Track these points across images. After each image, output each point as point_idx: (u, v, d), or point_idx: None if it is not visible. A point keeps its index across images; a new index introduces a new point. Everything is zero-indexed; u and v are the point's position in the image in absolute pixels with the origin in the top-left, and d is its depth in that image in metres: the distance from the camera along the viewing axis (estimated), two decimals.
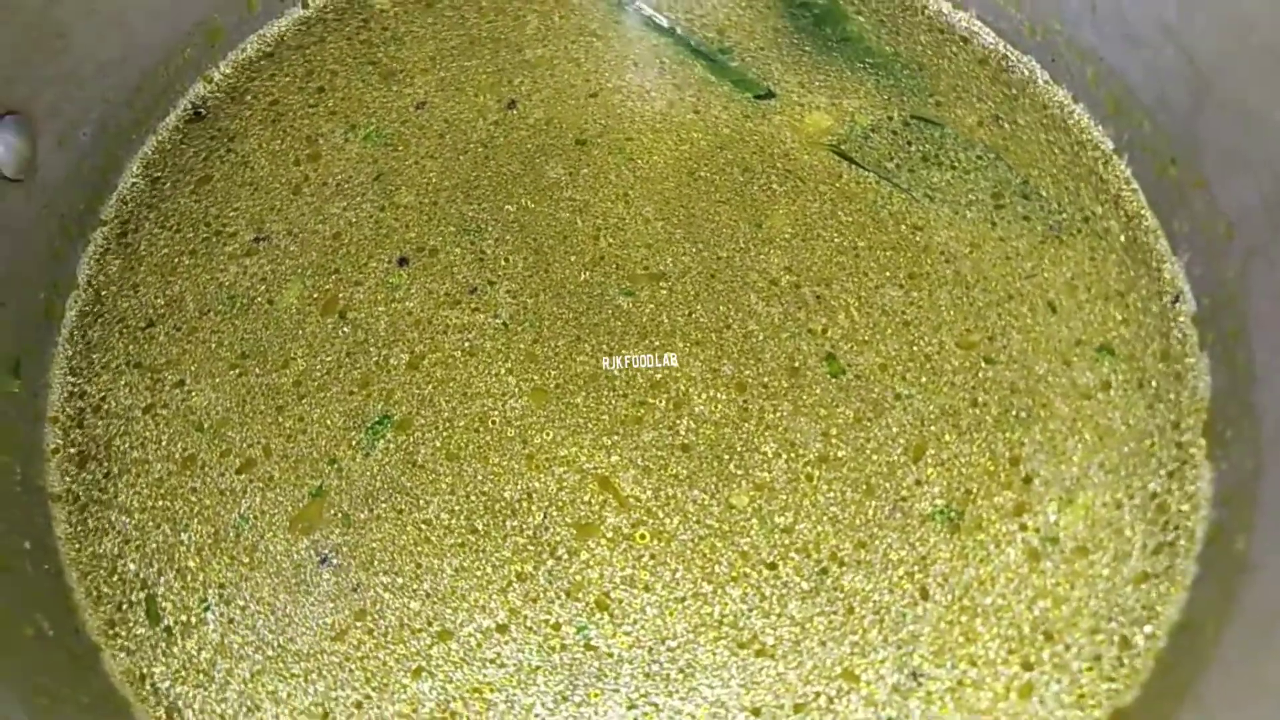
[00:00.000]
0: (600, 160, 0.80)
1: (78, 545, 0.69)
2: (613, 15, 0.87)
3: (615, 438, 0.71)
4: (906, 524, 0.68)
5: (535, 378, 0.73)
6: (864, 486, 0.69)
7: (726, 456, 0.70)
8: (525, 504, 0.69)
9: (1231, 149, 0.69)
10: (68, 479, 0.72)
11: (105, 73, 0.75)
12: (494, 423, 0.71)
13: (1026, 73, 0.84)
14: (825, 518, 0.68)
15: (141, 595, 0.68)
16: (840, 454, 0.70)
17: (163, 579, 0.69)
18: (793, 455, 0.70)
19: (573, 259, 0.76)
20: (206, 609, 0.68)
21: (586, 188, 0.79)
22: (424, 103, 0.83)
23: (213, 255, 0.77)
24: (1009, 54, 0.85)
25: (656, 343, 0.73)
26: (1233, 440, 0.69)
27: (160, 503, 0.71)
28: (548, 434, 0.71)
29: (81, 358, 0.75)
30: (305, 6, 0.87)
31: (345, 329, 0.75)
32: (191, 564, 0.69)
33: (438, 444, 0.71)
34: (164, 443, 0.72)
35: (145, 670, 0.67)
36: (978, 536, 0.68)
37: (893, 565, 0.67)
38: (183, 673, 0.66)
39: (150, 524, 0.70)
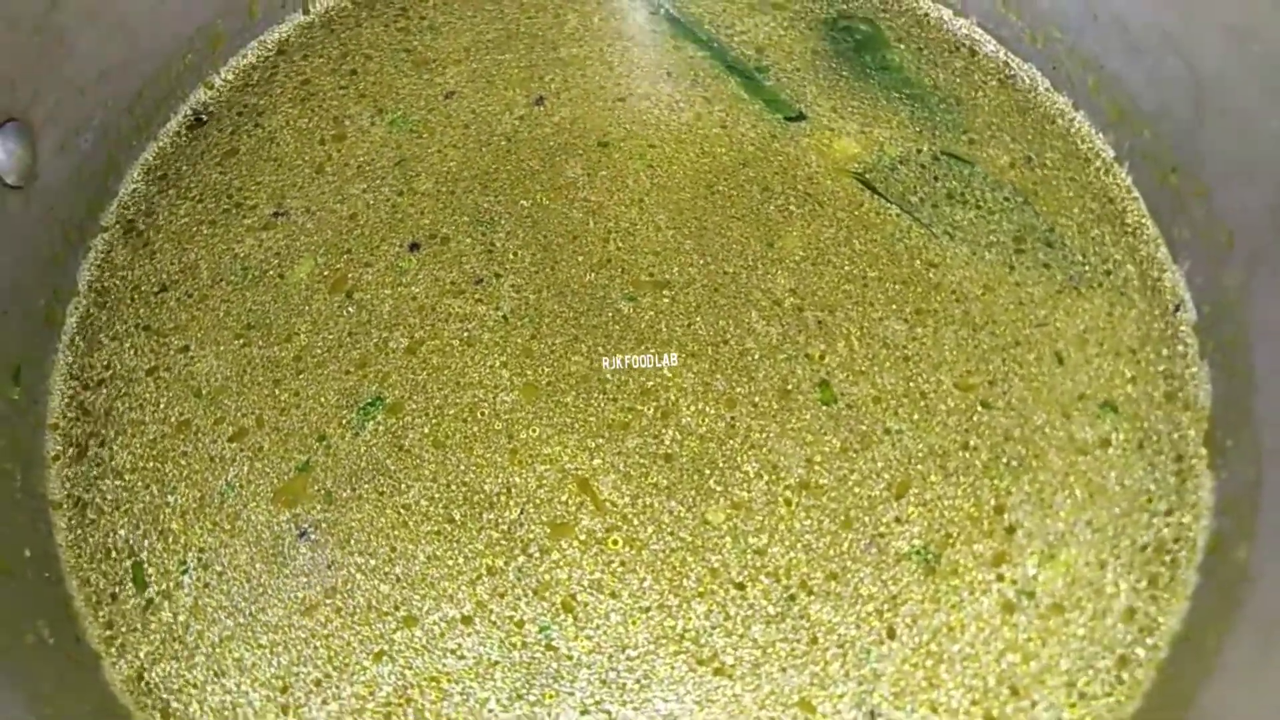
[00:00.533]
0: (620, 164, 0.80)
1: (77, 551, 0.69)
2: (652, 23, 0.87)
3: (600, 440, 0.71)
4: (881, 560, 0.67)
5: (528, 373, 0.73)
6: (842, 518, 0.68)
7: (708, 471, 0.70)
8: (504, 498, 0.69)
9: (1232, 157, 0.70)
10: (63, 449, 0.73)
11: (106, 79, 0.76)
12: (482, 414, 0.72)
13: (1028, 81, 0.84)
14: (800, 544, 0.68)
15: (129, 562, 0.69)
16: (822, 482, 0.69)
17: (146, 541, 0.70)
18: (774, 478, 0.69)
19: (580, 259, 0.77)
20: (185, 572, 0.69)
21: (603, 190, 0.79)
22: (453, 92, 0.84)
23: (231, 227, 0.79)
24: (1010, 61, 0.85)
25: (652, 350, 0.73)
26: (1233, 449, 0.69)
27: (151, 464, 0.72)
28: (534, 430, 0.71)
29: (93, 325, 0.76)
30: (306, 12, 0.88)
31: (350, 308, 0.75)
32: (175, 526, 0.70)
33: (425, 430, 0.71)
34: (161, 406, 0.73)
35: (130, 639, 0.68)
36: (952, 581, 0.67)
37: (862, 600, 0.66)
38: (157, 635, 0.67)
39: (139, 484, 0.71)
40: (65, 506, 0.71)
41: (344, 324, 0.75)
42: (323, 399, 0.73)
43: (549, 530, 0.68)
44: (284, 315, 0.76)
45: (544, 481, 0.70)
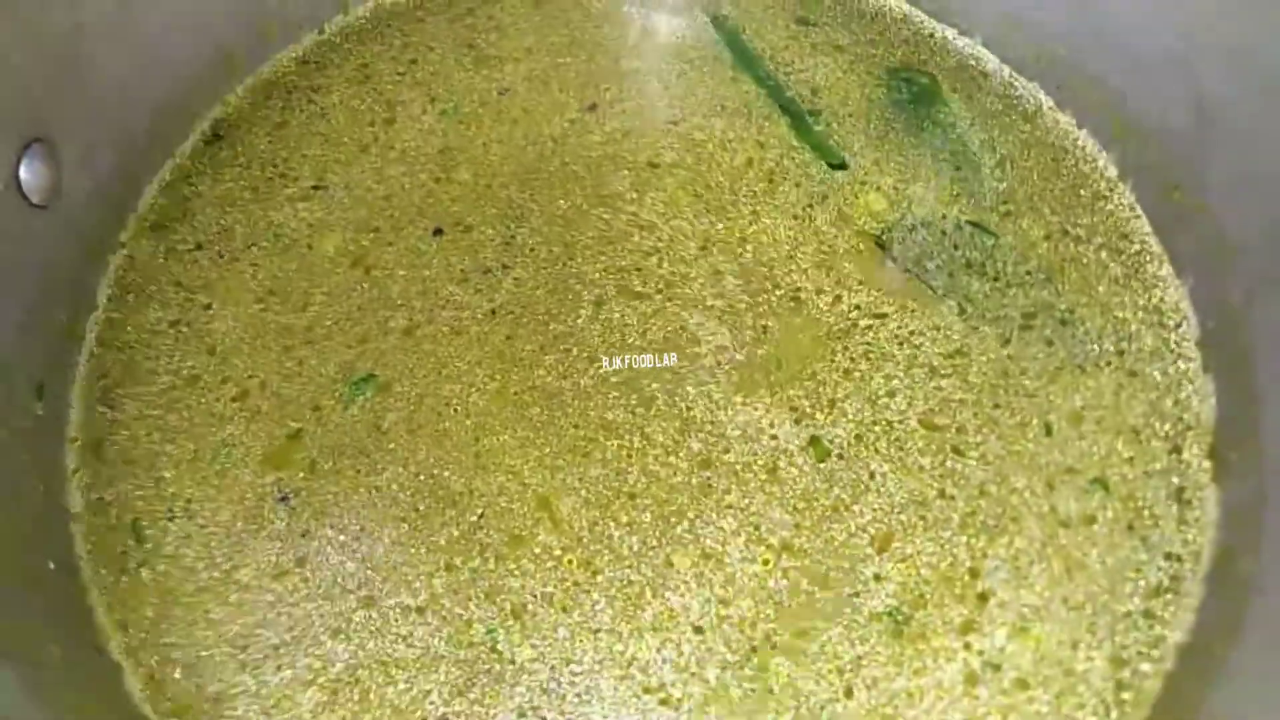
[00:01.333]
0: (670, 189, 0.80)
1: (97, 562, 0.70)
2: (714, 50, 0.87)
3: (562, 461, 0.70)
4: (853, 620, 0.66)
5: (498, 377, 0.73)
6: (821, 578, 0.67)
7: (675, 520, 0.69)
8: (466, 499, 0.70)
9: (1235, 174, 0.70)
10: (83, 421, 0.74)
11: (127, 98, 0.78)
12: (455, 410, 0.72)
13: (1033, 104, 0.84)
14: (771, 601, 0.67)
15: (129, 518, 0.71)
16: (806, 546, 0.68)
17: (140, 491, 0.71)
18: (754, 537, 0.68)
19: (598, 264, 0.77)
20: (171, 519, 0.70)
21: (650, 208, 0.79)
22: (508, 89, 0.85)
23: (271, 195, 0.81)
24: (1015, 81, 0.85)
25: (630, 371, 0.73)
26: (1238, 463, 0.69)
27: (155, 412, 0.74)
28: (499, 437, 0.72)
29: (127, 282, 0.79)
30: (345, 12, 0.89)
31: (365, 285, 0.77)
32: (168, 474, 0.72)
33: (404, 415, 0.72)
34: (176, 358, 0.75)
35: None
36: (919, 646, 0.65)
37: (825, 657, 0.65)
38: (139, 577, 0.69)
39: (142, 432, 0.73)
40: (82, 518, 0.71)
41: (356, 299, 0.76)
42: (323, 370, 0.74)
43: (506, 539, 0.69)
44: (304, 285, 0.77)
45: (505, 490, 0.70)
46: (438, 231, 0.78)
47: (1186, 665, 0.65)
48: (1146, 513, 0.69)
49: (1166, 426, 0.72)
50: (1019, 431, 0.71)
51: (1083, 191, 0.80)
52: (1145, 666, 0.65)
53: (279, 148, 0.83)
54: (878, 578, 0.67)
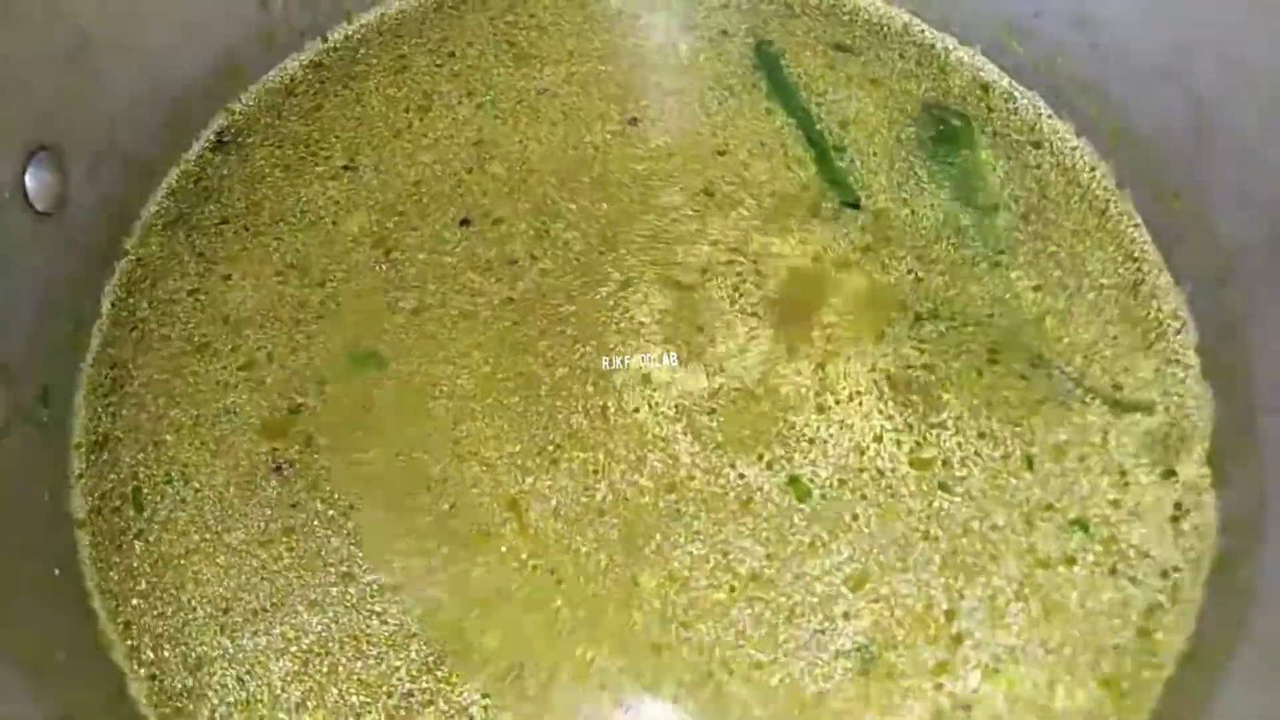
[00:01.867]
0: (723, 216, 0.80)
1: (101, 567, 0.70)
2: (753, 77, 0.87)
3: (534, 463, 0.71)
4: (818, 656, 0.65)
5: (491, 361, 0.74)
6: (787, 613, 0.67)
7: (642, 541, 0.69)
8: (441, 486, 0.70)
9: (1233, 183, 0.71)
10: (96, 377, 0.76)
11: (133, 107, 0.79)
12: (442, 392, 0.73)
13: (1033, 111, 0.84)
14: (733, 629, 0.66)
15: (130, 486, 0.72)
16: (776, 578, 0.68)
17: (142, 455, 0.73)
18: (723, 564, 0.68)
19: (640, 258, 0.78)
20: (169, 483, 0.72)
21: (714, 224, 0.79)
22: (547, 90, 0.86)
23: (302, 173, 0.82)
24: (1014, 89, 0.85)
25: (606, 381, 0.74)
26: (1237, 470, 0.69)
27: (163, 377, 0.75)
28: (477, 427, 0.72)
29: (152, 251, 0.81)
30: (349, 21, 0.90)
31: (384, 265, 0.78)
32: (169, 438, 0.73)
33: (394, 394, 0.73)
34: (191, 325, 0.77)
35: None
36: (887, 685, 0.65)
37: (785, 690, 0.65)
38: (131, 532, 0.71)
39: (148, 395, 0.75)
40: (88, 524, 0.72)
41: (372, 279, 0.77)
42: (330, 346, 0.75)
43: (474, 532, 0.69)
44: (324, 261, 0.79)
45: (478, 484, 0.70)
46: (465, 222, 0.79)
47: (1186, 672, 0.64)
48: (1133, 552, 0.68)
49: (1158, 453, 0.71)
50: (1002, 463, 0.70)
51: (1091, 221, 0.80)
52: (1145, 674, 0.64)
53: (312, 129, 0.84)
54: (847, 615, 0.66)
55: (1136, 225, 0.79)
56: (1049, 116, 0.84)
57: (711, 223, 0.79)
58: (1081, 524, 0.69)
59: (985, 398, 0.73)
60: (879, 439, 0.71)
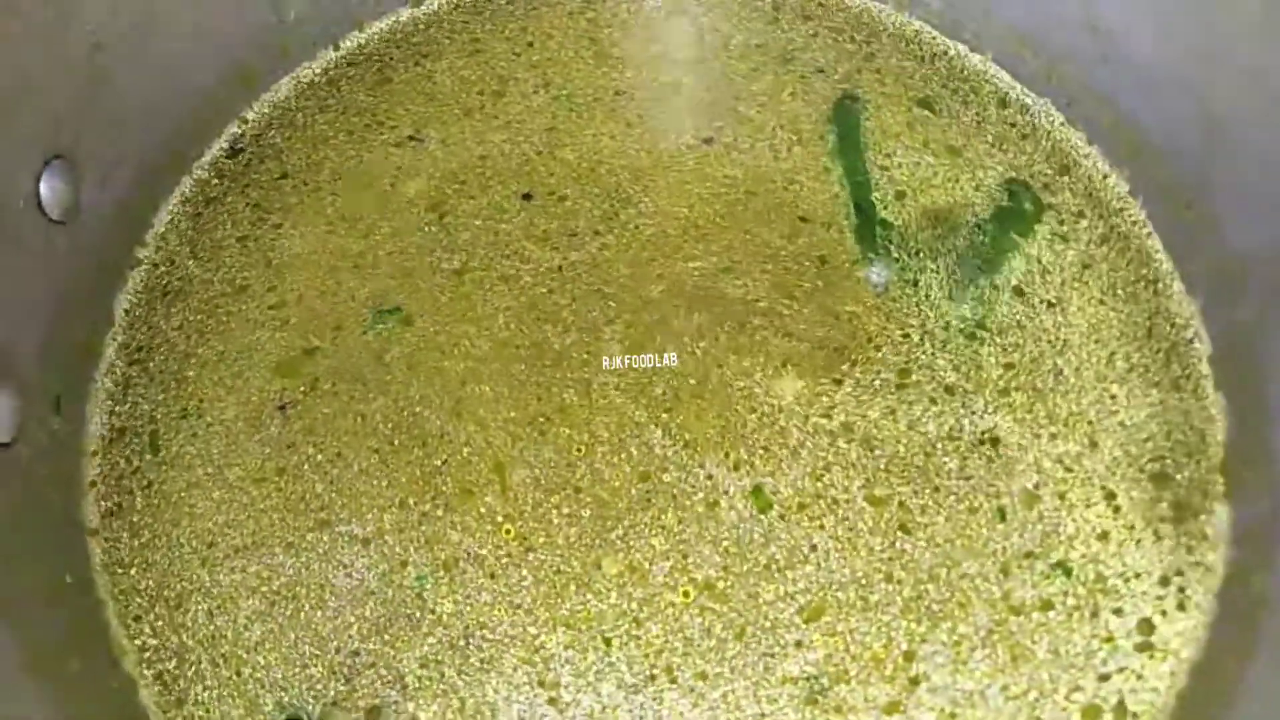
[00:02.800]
0: (813, 246, 0.77)
1: (113, 574, 0.69)
2: (825, 127, 0.82)
3: (524, 431, 0.70)
4: (764, 678, 0.63)
5: (512, 326, 0.74)
6: (738, 630, 0.64)
7: (612, 525, 0.67)
8: (436, 443, 0.70)
9: (1246, 193, 0.70)
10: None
11: (146, 115, 0.78)
12: (458, 352, 0.73)
13: (1045, 119, 0.82)
14: (682, 635, 0.64)
15: (149, 429, 0.73)
16: (730, 591, 0.65)
17: (163, 396, 0.74)
18: (680, 565, 0.66)
19: (676, 267, 0.76)
20: (184, 418, 0.73)
21: (753, 268, 0.77)
22: (624, 92, 0.85)
23: (366, 140, 0.83)
24: (1026, 98, 0.83)
25: (596, 365, 0.73)
26: (1249, 480, 0.68)
27: (198, 317, 0.76)
28: (481, 389, 0.72)
29: (206, 195, 0.82)
30: (360, 29, 0.90)
31: (434, 228, 0.78)
32: (191, 374, 0.74)
33: (410, 350, 0.73)
34: (234, 269, 0.78)
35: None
36: (833, 717, 0.61)
37: (726, 707, 0.62)
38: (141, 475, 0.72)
39: (179, 335, 0.76)
40: (99, 533, 0.71)
41: (420, 238, 0.78)
42: (358, 295, 0.76)
43: (458, 491, 0.69)
44: (375, 216, 0.79)
45: (471, 443, 0.70)
46: (527, 196, 0.79)
47: (1199, 683, 0.63)
48: (1121, 582, 0.65)
49: (1156, 465, 0.68)
50: (968, 516, 0.66)
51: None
52: (1160, 683, 0.63)
53: (379, 100, 0.85)
54: (799, 644, 0.64)
55: (1150, 234, 0.77)
56: (1061, 124, 0.82)
57: (752, 264, 0.76)
58: (1064, 567, 0.65)
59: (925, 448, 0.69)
60: (828, 469, 0.69)
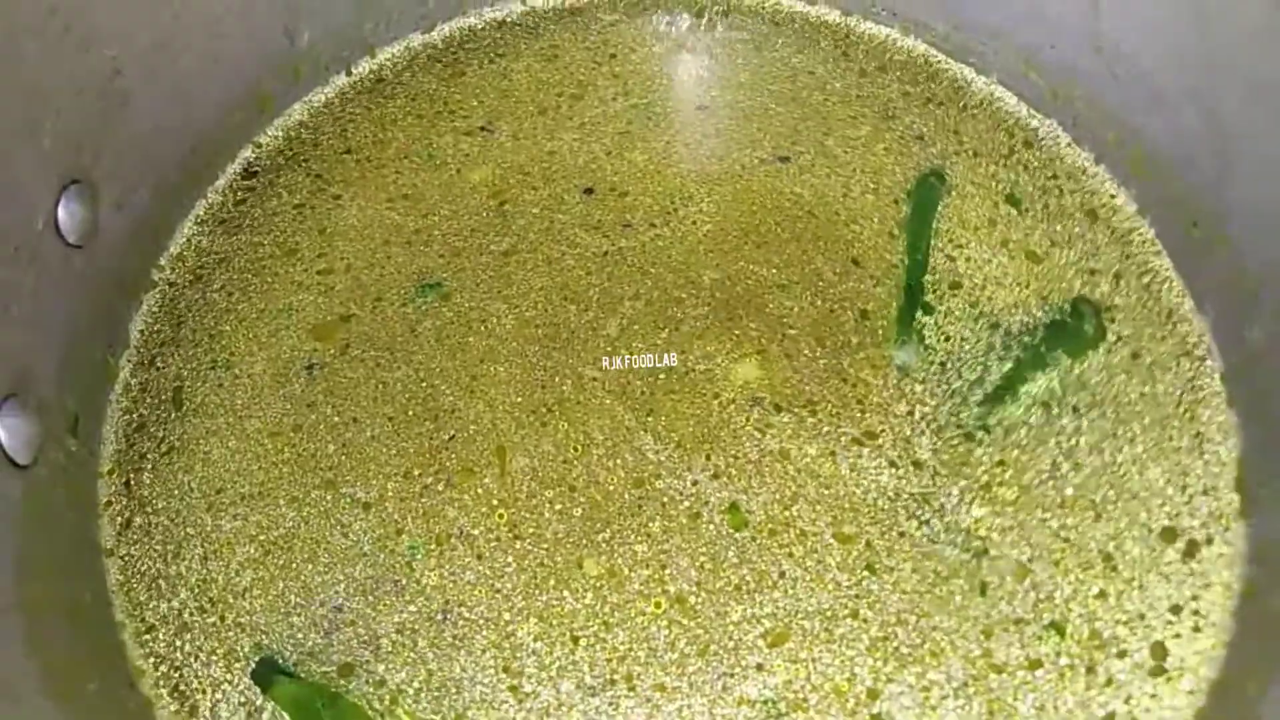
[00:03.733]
0: (863, 298, 0.77)
1: (129, 590, 0.69)
2: (903, 194, 0.81)
3: (527, 419, 0.71)
4: (721, 697, 0.62)
5: (538, 305, 0.76)
6: (702, 646, 0.64)
7: (600, 526, 0.68)
8: (447, 419, 0.71)
9: (1255, 209, 0.70)
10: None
11: (163, 138, 0.78)
12: (485, 329, 0.75)
13: (1050, 137, 0.83)
14: (647, 645, 0.64)
15: (173, 387, 0.75)
16: (699, 607, 0.65)
17: (194, 350, 0.76)
18: (657, 575, 0.66)
19: (734, 268, 0.77)
20: (213, 368, 0.75)
21: (846, 296, 0.77)
22: (706, 107, 0.86)
23: (436, 125, 0.85)
24: (1032, 118, 0.84)
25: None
26: (1264, 497, 0.67)
27: (242, 276, 0.78)
28: (497, 369, 0.73)
29: (270, 165, 0.85)
30: (372, 56, 0.90)
31: (491, 213, 0.80)
32: (227, 329, 0.76)
33: (443, 325, 0.75)
34: (287, 234, 0.80)
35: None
36: None
37: (680, 718, 0.62)
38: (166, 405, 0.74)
39: (221, 294, 0.78)
40: (115, 554, 0.70)
41: (476, 221, 0.80)
42: (405, 269, 0.77)
43: (460, 469, 0.70)
44: (436, 196, 0.81)
45: (478, 423, 0.71)
46: (589, 190, 0.81)
47: (1218, 702, 0.62)
48: (1125, 631, 0.64)
49: (1167, 522, 0.67)
50: (943, 582, 0.65)
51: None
52: (1180, 701, 0.62)
53: (451, 90, 0.87)
54: (760, 668, 0.63)
55: (1159, 252, 0.77)
56: (1068, 144, 0.83)
57: (804, 291, 0.77)
58: (1058, 628, 0.64)
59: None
60: (794, 500, 0.69)
